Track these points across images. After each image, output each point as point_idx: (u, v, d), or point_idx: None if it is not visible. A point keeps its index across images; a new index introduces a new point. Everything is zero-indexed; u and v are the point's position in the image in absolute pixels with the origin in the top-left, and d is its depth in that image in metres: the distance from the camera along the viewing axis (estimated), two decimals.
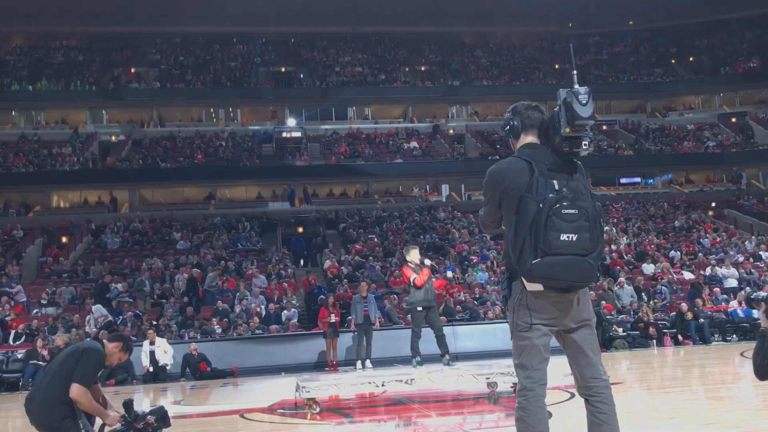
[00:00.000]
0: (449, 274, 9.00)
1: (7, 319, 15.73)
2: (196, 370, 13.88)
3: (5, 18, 33.65)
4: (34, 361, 13.16)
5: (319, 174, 30.54)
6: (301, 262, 22.23)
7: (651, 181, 32.95)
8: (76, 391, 5.29)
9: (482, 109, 35.81)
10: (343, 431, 6.91)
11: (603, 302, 16.23)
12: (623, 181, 32.51)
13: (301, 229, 24.26)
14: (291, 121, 34.16)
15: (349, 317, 15.21)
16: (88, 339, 13.56)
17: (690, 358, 12.94)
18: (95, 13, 34.19)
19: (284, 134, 32.76)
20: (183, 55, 35.98)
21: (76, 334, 14.37)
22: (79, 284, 18.57)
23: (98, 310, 15.82)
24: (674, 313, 16.39)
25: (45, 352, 13.26)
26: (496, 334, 13.73)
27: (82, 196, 29.39)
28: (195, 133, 31.68)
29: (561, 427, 5.54)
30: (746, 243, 21.89)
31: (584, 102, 3.10)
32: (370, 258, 20.44)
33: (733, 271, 18.95)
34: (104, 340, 5.92)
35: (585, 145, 3.12)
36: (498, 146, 30.15)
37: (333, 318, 15.43)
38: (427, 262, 8.70)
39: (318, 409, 7.52)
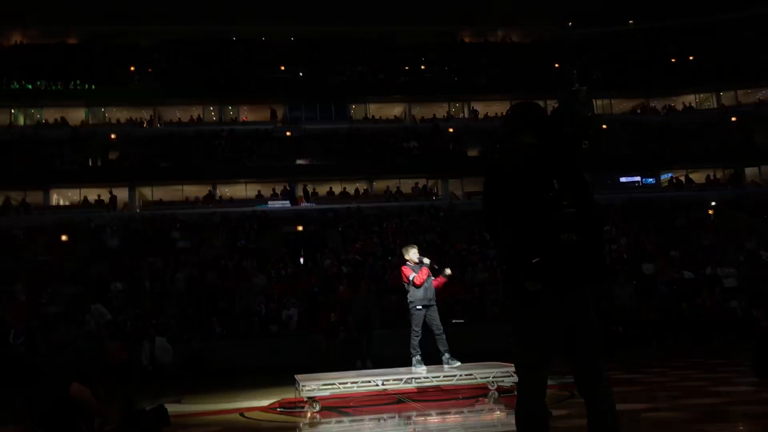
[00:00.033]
0: (447, 271, 8.97)
1: (6, 318, 15.74)
2: (196, 368, 13.89)
3: (4, 16, 33.65)
4: (34, 360, 13.17)
5: (319, 173, 30.57)
6: (301, 261, 22.25)
7: (651, 180, 32.96)
8: (76, 389, 5.30)
9: (482, 108, 35.83)
10: (343, 430, 6.91)
11: (602, 302, 16.25)
12: (623, 180, 32.51)
13: (301, 228, 24.28)
14: (291, 120, 34.14)
15: (349, 316, 15.22)
16: (87, 338, 13.58)
17: (689, 357, 12.94)
18: (95, 12, 34.17)
19: (284, 133, 32.75)
20: (183, 53, 35.95)
21: (75, 333, 14.38)
22: (79, 284, 18.57)
23: (98, 309, 15.80)
24: (674, 312, 16.41)
25: (45, 351, 13.26)
26: (496, 333, 13.75)
27: (81, 194, 29.41)
28: (194, 132, 31.68)
29: (561, 426, 5.55)
30: (746, 242, 21.90)
31: (584, 101, 3.11)
32: (370, 257, 20.46)
33: (732, 270, 18.97)
34: (104, 339, 5.92)
35: (584, 143, 3.12)
36: (498, 145, 30.13)
37: (333, 317, 15.49)
38: (426, 260, 8.70)
39: (318, 408, 7.53)
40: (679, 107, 36.57)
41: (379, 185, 31.43)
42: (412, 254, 8.76)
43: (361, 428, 6.93)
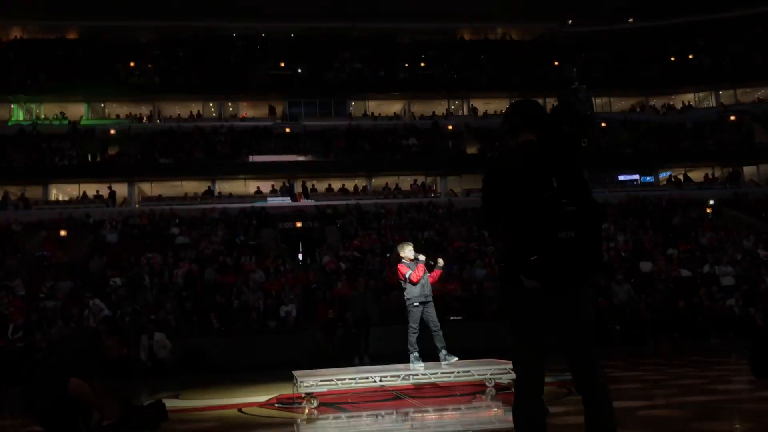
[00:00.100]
0: (440, 262, 8.98)
1: (5, 312, 15.74)
2: (194, 364, 13.91)
3: (4, 11, 33.59)
4: (32, 355, 13.18)
5: (318, 169, 30.57)
6: (300, 257, 22.25)
7: (649, 178, 32.98)
8: (74, 385, 5.31)
9: (481, 106, 35.83)
10: (340, 426, 6.93)
11: (600, 299, 16.29)
12: (621, 178, 32.53)
13: (299, 224, 24.28)
14: (290, 117, 34.13)
15: (348, 312, 15.24)
16: (86, 333, 13.59)
17: (687, 356, 12.97)
18: (95, 7, 34.11)
19: (283, 129, 32.74)
20: (182, 49, 35.91)
21: (74, 328, 14.39)
22: (78, 279, 18.57)
23: (97, 304, 15.83)
24: (671, 310, 16.44)
25: (43, 346, 13.28)
26: (494, 330, 13.79)
27: (80, 190, 29.40)
28: (194, 128, 31.67)
29: (559, 423, 5.57)
30: (744, 241, 21.93)
31: (583, 99, 3.11)
32: (368, 254, 20.47)
33: (730, 269, 19.00)
34: (102, 335, 5.93)
35: (584, 142, 3.13)
36: (497, 143, 30.15)
37: (331, 313, 15.51)
38: (422, 257, 8.71)
39: (316, 404, 7.55)
40: (678, 106, 36.57)
41: (378, 182, 31.44)
42: (408, 252, 8.78)
43: (358, 424, 6.95)
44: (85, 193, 28.95)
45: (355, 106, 35.33)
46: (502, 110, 30.87)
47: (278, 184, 29.54)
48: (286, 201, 28.00)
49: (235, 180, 31.04)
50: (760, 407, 6.48)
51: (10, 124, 31.43)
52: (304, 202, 28.10)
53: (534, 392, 3.12)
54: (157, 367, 13.76)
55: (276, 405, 8.17)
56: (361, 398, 8.12)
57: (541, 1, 36.18)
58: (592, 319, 3.19)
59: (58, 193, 30.69)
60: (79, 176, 29.34)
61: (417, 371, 8.13)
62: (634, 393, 7.67)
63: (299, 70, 34.96)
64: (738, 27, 36.76)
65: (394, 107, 36.25)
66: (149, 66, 34.64)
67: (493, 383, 8.15)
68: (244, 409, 7.90)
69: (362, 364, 12.95)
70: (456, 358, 8.54)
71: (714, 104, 36.51)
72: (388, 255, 20.29)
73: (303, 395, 7.65)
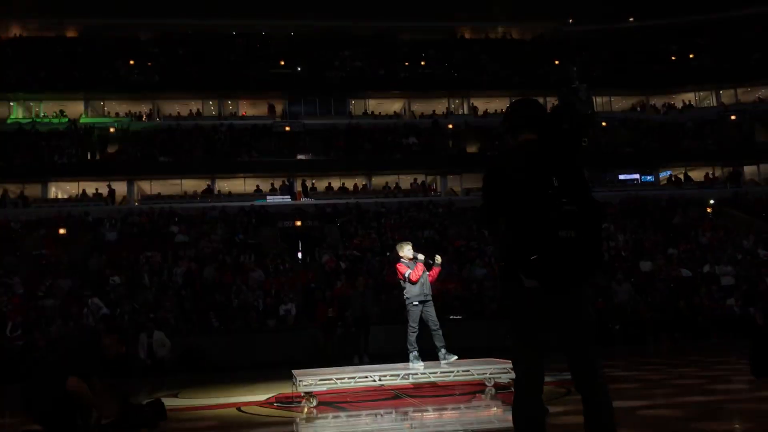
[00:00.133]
0: (438, 259, 8.97)
1: (4, 311, 15.73)
2: (193, 363, 13.90)
3: (4, 9, 33.57)
4: (31, 353, 13.17)
5: (318, 168, 30.58)
6: (299, 256, 22.24)
7: (650, 178, 32.98)
8: (73, 383, 5.30)
9: (481, 105, 35.81)
10: (339, 425, 6.92)
11: (600, 299, 16.28)
12: (622, 177, 32.53)
13: (299, 223, 24.28)
14: (290, 115, 34.12)
15: (347, 312, 15.23)
16: (85, 332, 13.57)
17: (687, 355, 12.97)
18: (94, 5, 34.10)
19: (283, 128, 32.74)
20: (182, 48, 35.89)
21: (73, 327, 14.38)
22: (77, 277, 18.56)
23: (96, 302, 15.82)
24: (671, 310, 16.43)
25: (42, 345, 13.26)
26: (494, 329, 13.79)
27: (80, 188, 29.39)
28: (193, 126, 31.65)
29: (558, 423, 5.56)
30: (744, 241, 21.92)
31: (583, 98, 3.10)
32: (368, 253, 20.46)
33: (730, 268, 19.00)
34: (101, 333, 5.92)
35: (584, 141, 3.11)
36: (497, 142, 30.14)
37: (330, 312, 15.50)
38: (420, 256, 8.70)
39: (315, 403, 7.54)
40: (679, 105, 36.56)
41: (378, 181, 31.44)
42: (407, 251, 8.77)
43: (357, 423, 6.94)
44: (84, 191, 28.94)
45: (355, 105, 35.31)
46: (502, 109, 30.90)
47: (278, 183, 29.54)
48: (286, 200, 28.01)
49: (235, 178, 31.05)
50: (759, 407, 6.47)
51: (9, 122, 31.40)
52: (303, 200, 28.11)
53: (533, 392, 3.11)
54: (156, 365, 13.75)
55: (275, 404, 8.16)
56: (361, 397, 8.11)
57: (541, 0, 36.19)
58: (592, 319, 3.18)
59: (58, 191, 30.69)
60: (78, 174, 29.34)
61: (416, 370, 8.12)
62: (634, 392, 7.67)
63: (299, 69, 34.95)
64: (738, 27, 36.75)
65: (394, 106, 36.23)
66: (149, 64, 34.62)
67: (492, 382, 8.15)
68: (243, 408, 7.89)
69: (362, 363, 12.94)
70: (455, 357, 8.53)
71: (714, 104, 36.52)
72: (388, 254, 20.29)
73: (302, 394, 7.64)
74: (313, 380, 7.60)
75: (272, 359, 13.97)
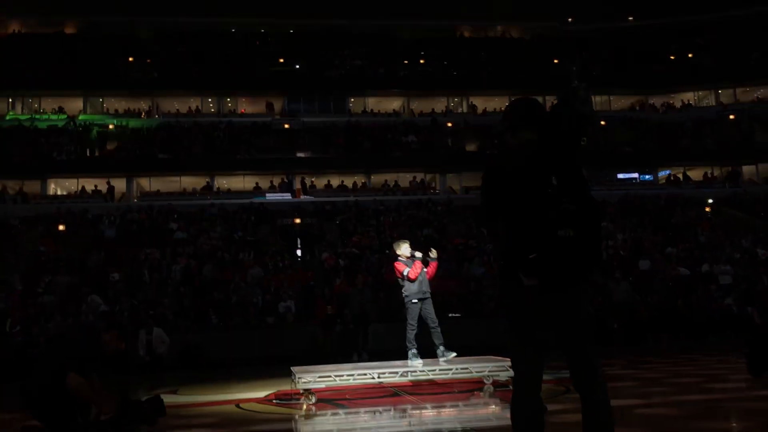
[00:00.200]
0: (433, 254, 8.96)
1: (3, 307, 15.73)
2: (192, 359, 13.92)
3: (3, 5, 33.50)
4: (30, 350, 13.17)
5: (317, 166, 30.57)
6: (298, 253, 22.25)
7: (649, 177, 32.99)
8: (72, 380, 5.31)
9: (481, 103, 35.80)
10: (338, 422, 6.94)
11: (598, 298, 16.31)
12: (621, 176, 32.54)
13: (298, 221, 24.28)
14: (289, 113, 34.10)
15: (346, 309, 15.25)
16: (84, 328, 13.59)
17: (684, 354, 13.00)
18: (94, 2, 34.06)
19: (282, 125, 32.73)
20: (181, 45, 35.85)
21: (72, 323, 14.39)
22: (76, 274, 18.56)
23: (95, 299, 15.83)
24: (670, 309, 16.46)
25: (41, 341, 13.27)
26: (492, 327, 13.79)
27: (79, 184, 29.38)
28: (193, 123, 31.63)
29: (557, 421, 5.57)
30: (742, 240, 21.95)
31: (583, 98, 3.11)
32: (367, 251, 20.48)
33: (729, 268, 19.02)
34: (101, 330, 5.94)
35: (583, 140, 3.13)
36: (496, 141, 30.14)
37: (329, 310, 15.52)
38: (418, 254, 8.71)
39: (314, 400, 7.55)
40: (678, 104, 36.56)
41: (377, 179, 31.43)
42: (404, 249, 8.77)
43: (356, 421, 6.95)
44: (83, 187, 28.93)
45: (354, 103, 35.29)
46: (501, 108, 30.82)
47: (277, 180, 29.53)
48: (285, 197, 28.01)
49: (234, 176, 31.05)
50: (757, 405, 6.49)
51: (8, 118, 31.36)
52: (303, 198, 28.11)
53: (532, 390, 3.12)
54: (155, 362, 13.76)
55: (274, 401, 8.18)
56: (359, 395, 8.13)
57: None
58: (590, 318, 3.19)
59: (57, 187, 30.68)
60: (77, 171, 29.33)
61: (415, 368, 8.13)
62: (632, 391, 7.69)
63: (298, 67, 34.91)
64: (737, 27, 36.76)
65: (393, 104, 36.22)
66: (148, 61, 34.58)
67: (491, 380, 8.17)
68: (242, 405, 7.91)
69: (360, 360, 12.96)
70: (454, 354, 8.54)
71: (713, 103, 36.52)
72: (387, 252, 20.31)
73: (301, 391, 7.65)
74: (312, 377, 7.61)
75: (271, 356, 13.99)
